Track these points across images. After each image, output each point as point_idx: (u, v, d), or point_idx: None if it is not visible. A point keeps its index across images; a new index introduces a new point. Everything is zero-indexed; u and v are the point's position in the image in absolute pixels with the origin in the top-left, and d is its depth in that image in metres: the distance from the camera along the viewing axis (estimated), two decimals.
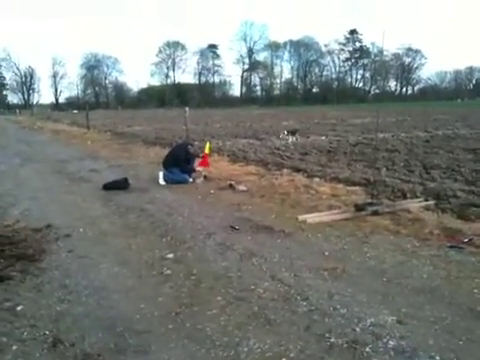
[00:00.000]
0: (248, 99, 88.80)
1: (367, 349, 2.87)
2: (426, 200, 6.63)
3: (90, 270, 4.41)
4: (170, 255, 4.70)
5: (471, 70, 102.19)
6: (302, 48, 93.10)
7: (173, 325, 3.27)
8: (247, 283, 3.95)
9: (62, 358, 2.91)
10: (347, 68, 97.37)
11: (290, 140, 16.11)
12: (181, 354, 2.91)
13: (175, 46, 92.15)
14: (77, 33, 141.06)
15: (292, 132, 16.91)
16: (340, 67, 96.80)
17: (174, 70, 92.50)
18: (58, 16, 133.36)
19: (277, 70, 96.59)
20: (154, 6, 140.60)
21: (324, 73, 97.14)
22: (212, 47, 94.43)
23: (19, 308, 3.61)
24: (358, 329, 3.12)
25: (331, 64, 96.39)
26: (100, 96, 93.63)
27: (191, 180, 8.99)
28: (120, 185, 8.40)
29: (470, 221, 5.71)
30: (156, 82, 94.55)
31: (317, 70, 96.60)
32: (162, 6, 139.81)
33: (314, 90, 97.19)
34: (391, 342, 2.95)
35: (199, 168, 9.36)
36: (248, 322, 3.25)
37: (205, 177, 9.12)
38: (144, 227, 5.82)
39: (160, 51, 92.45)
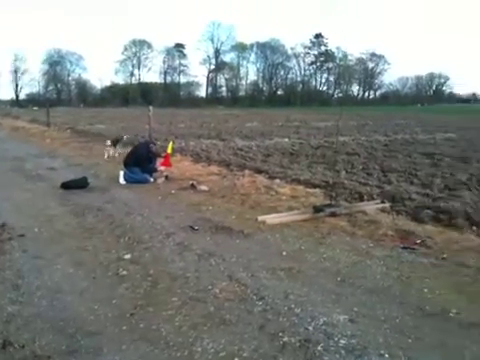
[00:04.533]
0: (214, 100, 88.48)
1: (319, 348, 2.92)
2: (382, 202, 6.80)
3: (44, 271, 4.31)
4: (127, 256, 4.65)
5: (432, 76, 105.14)
6: (268, 50, 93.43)
7: (127, 326, 3.24)
8: (204, 283, 3.95)
9: None
10: (312, 71, 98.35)
11: (110, 153, 12.40)
12: (133, 355, 2.89)
13: (141, 44, 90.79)
14: (40, 28, 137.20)
15: (113, 141, 12.82)
16: (305, 70, 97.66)
17: (139, 68, 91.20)
18: (20, 11, 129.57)
19: (243, 71, 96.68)
20: (121, 3, 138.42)
21: (289, 76, 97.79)
22: (179, 46, 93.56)
23: None
24: (311, 328, 3.17)
25: (296, 67, 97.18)
26: (62, 93, 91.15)
27: (152, 180, 8.91)
28: (79, 184, 8.24)
29: (423, 223, 5.90)
30: (120, 80, 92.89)
31: (282, 73, 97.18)
32: (129, 3, 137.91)
33: (279, 92, 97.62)
34: (342, 341, 3.01)
35: (161, 168, 9.28)
36: (203, 322, 3.26)
37: (166, 177, 9.06)
38: (101, 227, 5.73)
39: (125, 49, 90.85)
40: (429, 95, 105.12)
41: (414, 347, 2.97)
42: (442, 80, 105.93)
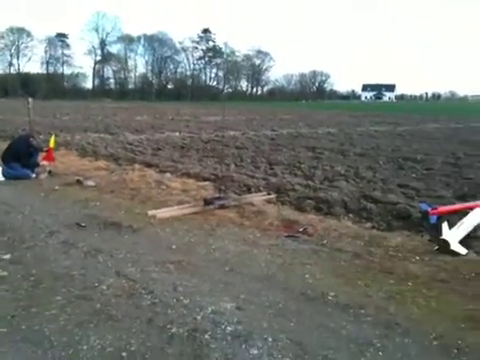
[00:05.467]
0: (101, 92, 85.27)
1: (206, 336, 3.00)
2: (268, 194, 7.10)
3: None
4: (6, 256, 4.38)
5: (314, 74, 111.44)
6: (156, 43, 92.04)
7: (8, 328, 3.06)
8: (90, 281, 3.85)
9: None
10: (201, 66, 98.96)
11: None
12: (15, 357, 2.75)
13: (20, 32, 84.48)
14: None
15: None
16: (194, 65, 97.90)
17: (18, 58, 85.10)
18: None
19: (131, 64, 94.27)
20: None
21: (179, 70, 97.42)
22: (61, 36, 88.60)
23: None
24: (199, 317, 3.24)
25: (185, 61, 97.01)
26: None
27: (34, 175, 8.43)
28: None
29: (306, 212, 6.27)
30: None
31: (172, 66, 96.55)
32: None
33: (169, 86, 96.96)
34: (229, 328, 3.12)
35: (43, 163, 8.80)
36: (89, 320, 3.18)
37: (50, 172, 8.62)
38: None
39: (2, 37, 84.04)
40: (312, 92, 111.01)
41: (296, 330, 3.16)
42: (324, 78, 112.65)
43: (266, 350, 2.88)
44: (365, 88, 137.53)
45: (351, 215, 6.11)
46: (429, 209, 5.69)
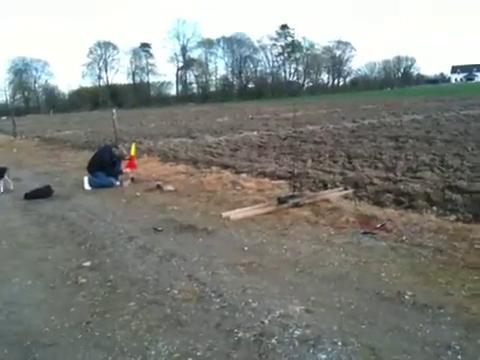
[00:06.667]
0: (185, 97, 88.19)
1: (273, 341, 2.93)
2: (345, 189, 6.87)
3: (1, 285, 4.24)
4: (87, 263, 4.60)
5: (398, 59, 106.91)
6: (235, 44, 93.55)
7: (82, 335, 3.20)
8: (163, 285, 3.93)
9: None
10: (280, 63, 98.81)
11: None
12: None
13: (106, 46, 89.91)
14: (1, 36, 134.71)
15: None
16: (273, 62, 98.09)
17: (107, 71, 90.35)
18: None
19: (212, 67, 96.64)
20: (81, 5, 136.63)
21: (258, 68, 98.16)
22: (145, 46, 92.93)
23: None
24: (267, 321, 3.18)
25: (265, 59, 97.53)
26: (30, 101, 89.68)
27: (118, 183, 8.83)
28: (42, 193, 8.12)
29: (385, 207, 5.96)
30: (88, 83, 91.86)
31: (251, 66, 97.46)
32: (90, 5, 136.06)
33: (250, 85, 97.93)
34: (297, 332, 3.03)
35: (126, 170, 9.20)
36: (159, 325, 3.24)
37: (132, 179, 8.99)
38: (63, 236, 5.66)
39: (91, 52, 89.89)
40: (398, 78, 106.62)
41: (367, 332, 3.00)
42: (409, 62, 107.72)
43: (335, 355, 2.76)
44: (455, 70, 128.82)
45: (434, 208, 5.72)
46: None
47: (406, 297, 3.47)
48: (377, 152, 10.24)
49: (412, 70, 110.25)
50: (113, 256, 4.80)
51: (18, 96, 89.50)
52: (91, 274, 4.31)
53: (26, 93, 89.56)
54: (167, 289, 3.84)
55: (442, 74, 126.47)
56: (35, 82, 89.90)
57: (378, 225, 5.20)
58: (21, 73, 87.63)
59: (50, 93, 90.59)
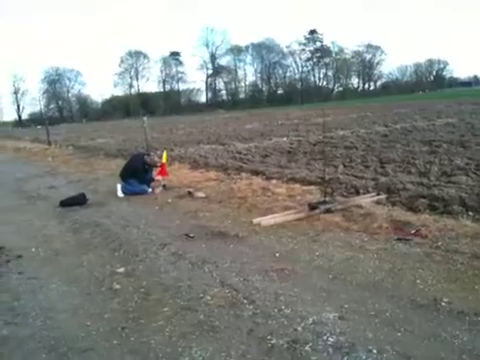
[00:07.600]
0: (214, 104, 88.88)
1: (306, 348, 2.91)
2: (378, 194, 6.77)
3: (39, 291, 4.34)
4: (121, 269, 4.67)
5: (430, 62, 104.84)
6: (264, 50, 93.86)
7: (118, 340, 3.25)
8: (196, 292, 3.96)
9: None
10: (309, 68, 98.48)
11: None
12: None
13: (137, 55, 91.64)
14: (36, 47, 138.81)
15: None
16: (303, 67, 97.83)
17: (138, 79, 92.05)
18: (15, 33, 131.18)
19: (241, 73, 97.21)
20: (112, 15, 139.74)
21: (287, 74, 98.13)
22: (174, 54, 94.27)
23: None
24: (300, 328, 3.17)
25: (293, 65, 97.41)
26: (64, 110, 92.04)
27: (150, 190, 8.95)
28: (77, 201, 8.29)
29: (419, 212, 5.85)
30: (120, 92, 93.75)
31: (280, 71, 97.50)
32: (119, 15, 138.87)
33: (279, 91, 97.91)
34: (331, 339, 3.00)
35: (158, 177, 9.32)
36: (192, 331, 3.26)
37: (164, 186, 9.09)
38: (97, 243, 5.76)
39: (122, 61, 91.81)
40: (430, 81, 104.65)
41: (403, 340, 2.95)
42: (441, 65, 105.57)
43: None
44: None
45: (470, 213, 5.58)
46: None
47: (442, 304, 3.40)
48: (410, 157, 10.06)
49: (445, 73, 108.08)
50: (146, 262, 4.86)
51: (52, 106, 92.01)
52: (125, 280, 4.38)
53: (60, 102, 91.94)
54: (200, 295, 3.87)
55: (476, 76, 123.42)
56: (68, 91, 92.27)
57: (412, 231, 5.11)
58: (55, 83, 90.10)
59: (83, 102, 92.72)
